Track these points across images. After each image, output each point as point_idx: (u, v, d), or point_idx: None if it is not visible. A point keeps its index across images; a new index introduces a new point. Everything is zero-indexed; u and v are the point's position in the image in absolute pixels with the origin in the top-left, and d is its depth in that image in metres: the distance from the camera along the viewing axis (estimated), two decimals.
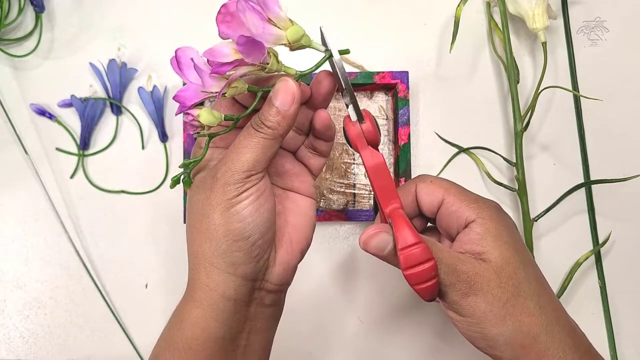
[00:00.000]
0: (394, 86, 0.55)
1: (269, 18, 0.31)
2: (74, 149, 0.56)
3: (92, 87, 0.57)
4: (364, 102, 0.56)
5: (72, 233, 0.55)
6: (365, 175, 0.56)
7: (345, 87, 0.34)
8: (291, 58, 0.35)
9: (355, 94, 0.40)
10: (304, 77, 0.33)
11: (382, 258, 0.36)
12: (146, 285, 0.56)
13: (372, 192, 0.55)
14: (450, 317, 0.35)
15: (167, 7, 0.58)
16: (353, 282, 0.55)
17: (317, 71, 0.34)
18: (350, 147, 0.36)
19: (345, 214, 0.54)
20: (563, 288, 0.53)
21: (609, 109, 0.56)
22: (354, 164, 0.56)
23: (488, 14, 0.57)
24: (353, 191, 0.55)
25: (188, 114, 0.32)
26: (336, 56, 0.33)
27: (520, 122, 0.52)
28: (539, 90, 0.51)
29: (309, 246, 0.38)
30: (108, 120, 0.57)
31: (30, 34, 0.57)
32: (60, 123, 0.56)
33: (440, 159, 0.56)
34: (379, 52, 0.57)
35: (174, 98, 0.32)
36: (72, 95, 0.55)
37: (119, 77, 0.55)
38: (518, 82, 0.53)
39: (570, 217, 0.56)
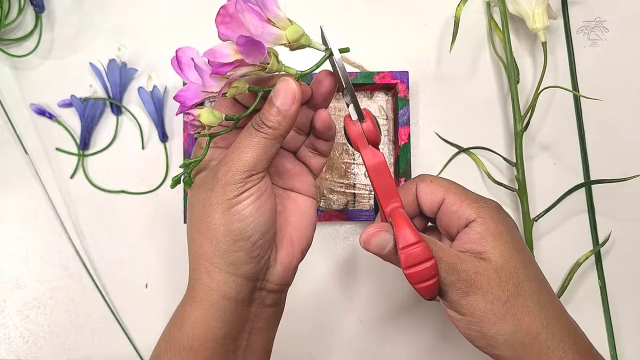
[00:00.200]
0: (394, 86, 0.55)
1: (268, 18, 0.31)
2: (74, 149, 0.56)
3: (92, 87, 0.57)
4: (364, 102, 0.56)
5: (72, 233, 0.55)
6: (365, 175, 0.56)
7: (345, 87, 0.34)
8: (291, 58, 0.35)
9: (355, 93, 0.40)
10: (304, 77, 0.33)
11: (383, 257, 0.36)
12: (146, 285, 0.56)
13: (373, 192, 0.55)
14: (450, 316, 0.35)
15: (167, 8, 0.58)
16: (353, 282, 0.55)
17: (317, 71, 0.34)
18: (351, 146, 0.37)
19: (345, 214, 0.54)
20: (563, 288, 0.53)
21: (609, 109, 0.56)
22: (354, 164, 0.56)
23: (488, 14, 0.57)
24: (353, 191, 0.55)
25: (189, 113, 0.32)
26: (337, 55, 0.33)
27: (520, 122, 0.52)
28: (539, 90, 0.51)
29: (309, 246, 0.38)
30: (108, 120, 0.57)
31: (30, 34, 0.57)
32: (60, 123, 0.56)
33: (440, 159, 0.56)
34: (379, 52, 0.57)
35: (174, 98, 0.32)
36: (72, 95, 0.55)
37: (119, 77, 0.55)
38: (518, 82, 0.53)
39: (570, 217, 0.56)
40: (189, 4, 0.58)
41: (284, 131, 0.32)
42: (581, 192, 0.55)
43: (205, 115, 0.32)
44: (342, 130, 0.56)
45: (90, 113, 0.55)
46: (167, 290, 0.55)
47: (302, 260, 0.37)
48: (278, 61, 0.32)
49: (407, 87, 0.54)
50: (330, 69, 0.35)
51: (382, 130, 0.56)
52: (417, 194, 0.38)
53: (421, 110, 0.57)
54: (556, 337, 0.33)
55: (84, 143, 0.56)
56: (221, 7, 0.30)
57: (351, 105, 0.35)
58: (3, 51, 0.56)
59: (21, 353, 0.55)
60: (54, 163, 0.56)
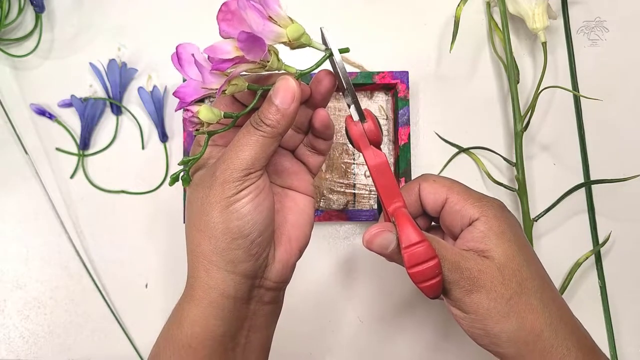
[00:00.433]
0: (394, 86, 0.55)
1: (269, 16, 0.31)
2: (74, 149, 0.56)
3: (92, 87, 0.57)
4: (364, 102, 0.56)
5: (72, 233, 0.55)
6: (365, 175, 0.56)
7: (346, 87, 0.34)
8: (291, 58, 0.35)
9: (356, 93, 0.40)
10: (303, 77, 0.34)
11: (386, 257, 0.36)
12: (146, 285, 0.56)
13: (374, 192, 0.55)
14: (454, 315, 0.36)
15: (167, 7, 0.58)
16: (353, 282, 0.55)
17: (316, 70, 0.34)
18: (353, 146, 0.37)
19: (345, 214, 0.54)
20: (563, 288, 0.53)
21: (609, 109, 0.56)
22: (354, 164, 0.56)
23: (488, 14, 0.57)
24: (353, 191, 0.55)
25: (187, 110, 0.32)
26: (337, 57, 0.33)
27: (520, 122, 0.52)
28: (539, 90, 0.51)
29: (307, 244, 0.38)
30: (108, 120, 0.57)
31: (30, 34, 0.57)
32: (60, 123, 0.56)
33: (440, 159, 0.56)
34: (379, 52, 0.57)
35: (174, 94, 0.32)
36: (72, 95, 0.55)
37: (119, 77, 0.55)
38: (518, 82, 0.53)
39: (570, 217, 0.56)
40: (189, 4, 0.58)
41: (282, 130, 0.32)
42: (581, 192, 0.55)
43: (204, 112, 0.32)
44: (344, 131, 0.56)
45: (90, 113, 0.55)
46: (167, 290, 0.55)
47: (300, 257, 0.37)
48: (278, 59, 0.32)
49: (407, 87, 0.54)
50: (330, 69, 0.35)
51: (382, 130, 0.56)
52: (420, 194, 0.38)
53: (421, 110, 0.57)
54: (560, 335, 0.33)
55: (84, 143, 0.56)
56: (223, 4, 0.30)
57: (352, 106, 0.35)
58: (3, 51, 0.56)
59: (21, 353, 0.55)
60: (54, 163, 0.56)
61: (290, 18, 0.32)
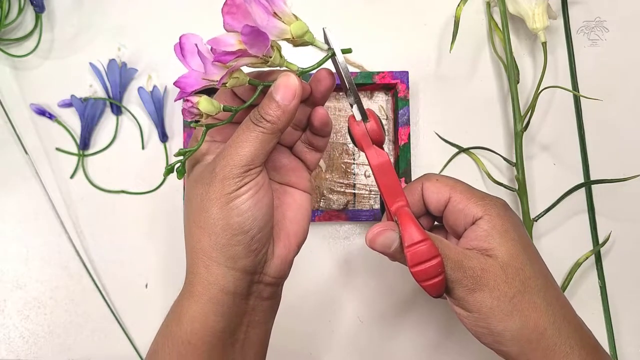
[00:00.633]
0: (394, 86, 0.55)
1: (274, 12, 0.31)
2: (74, 149, 0.56)
3: (92, 87, 0.57)
4: (364, 102, 0.56)
5: (72, 233, 0.55)
6: (365, 175, 0.56)
7: (349, 87, 0.34)
8: (292, 56, 0.35)
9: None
10: (302, 76, 0.34)
11: (389, 256, 0.36)
12: (146, 285, 0.55)
13: (374, 192, 0.55)
14: (457, 313, 0.36)
15: (167, 7, 0.58)
16: (353, 281, 0.55)
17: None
18: (355, 146, 0.37)
19: (345, 214, 0.54)
20: (563, 288, 0.53)
21: (609, 109, 0.56)
22: (354, 164, 0.56)
23: (488, 14, 0.57)
24: (353, 191, 0.55)
25: (187, 100, 0.32)
26: (340, 57, 0.33)
27: (520, 122, 0.52)
28: (539, 90, 0.51)
29: (305, 240, 0.38)
30: (108, 120, 0.57)
31: (30, 34, 0.57)
32: (60, 123, 0.56)
33: (440, 159, 0.56)
34: (379, 52, 0.57)
35: (174, 83, 0.32)
36: (72, 95, 0.55)
37: (119, 77, 0.55)
38: (518, 82, 0.53)
39: (570, 217, 0.56)
40: (189, 4, 0.58)
41: (282, 126, 0.33)
42: (581, 192, 0.55)
43: (204, 104, 0.32)
44: (345, 131, 0.56)
45: (90, 113, 0.55)
46: (167, 290, 0.55)
47: (297, 253, 0.37)
48: (281, 56, 0.33)
49: (407, 87, 0.54)
50: (330, 68, 0.35)
51: (384, 129, 0.56)
52: (423, 193, 0.38)
53: (421, 110, 0.57)
54: (563, 334, 0.34)
55: (84, 143, 0.56)
56: None
57: (355, 106, 0.35)
58: (3, 51, 0.56)
59: (21, 353, 0.55)
60: (54, 163, 0.56)
61: (294, 15, 0.32)
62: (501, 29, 0.53)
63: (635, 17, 0.57)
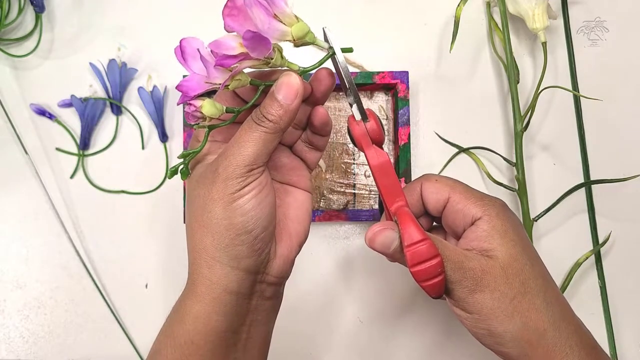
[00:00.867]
0: (394, 86, 0.55)
1: (275, 14, 0.31)
2: (74, 149, 0.56)
3: (92, 87, 0.57)
4: (364, 102, 0.56)
5: (72, 233, 0.55)
6: (365, 175, 0.56)
7: (349, 87, 0.34)
8: (291, 55, 0.35)
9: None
10: (303, 75, 0.34)
11: (388, 255, 0.36)
12: (146, 285, 0.55)
13: (374, 192, 0.55)
14: (457, 314, 0.36)
15: (167, 7, 0.58)
16: (353, 282, 0.55)
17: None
18: (355, 146, 0.37)
19: (345, 214, 0.54)
20: (563, 288, 0.53)
21: (609, 109, 0.56)
22: (354, 164, 0.56)
23: (488, 14, 0.57)
24: (353, 191, 0.55)
25: (190, 104, 0.32)
26: (340, 57, 0.33)
27: (520, 122, 0.52)
28: (539, 90, 0.51)
29: (306, 239, 0.38)
30: (108, 120, 0.57)
31: (30, 34, 0.57)
32: (60, 123, 0.56)
33: (440, 159, 0.56)
34: (379, 52, 0.57)
35: (177, 87, 0.32)
36: (72, 95, 0.55)
37: (119, 77, 0.55)
38: (518, 82, 0.53)
39: (570, 217, 0.56)
40: (189, 4, 0.58)
41: (284, 125, 0.33)
42: (581, 192, 0.55)
43: (207, 107, 0.32)
44: (345, 131, 0.56)
45: (90, 113, 0.55)
46: (167, 290, 0.55)
47: (299, 252, 0.38)
48: (282, 56, 0.33)
49: (407, 87, 0.54)
50: (330, 67, 0.35)
51: (384, 129, 0.56)
52: (422, 194, 0.38)
53: (421, 110, 0.57)
54: (563, 334, 0.34)
55: (84, 143, 0.56)
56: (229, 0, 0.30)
57: (355, 105, 0.35)
58: (3, 51, 0.56)
59: (21, 353, 0.55)
60: (54, 163, 0.56)
61: (295, 16, 0.32)
62: (501, 29, 0.53)
63: (635, 17, 0.57)
